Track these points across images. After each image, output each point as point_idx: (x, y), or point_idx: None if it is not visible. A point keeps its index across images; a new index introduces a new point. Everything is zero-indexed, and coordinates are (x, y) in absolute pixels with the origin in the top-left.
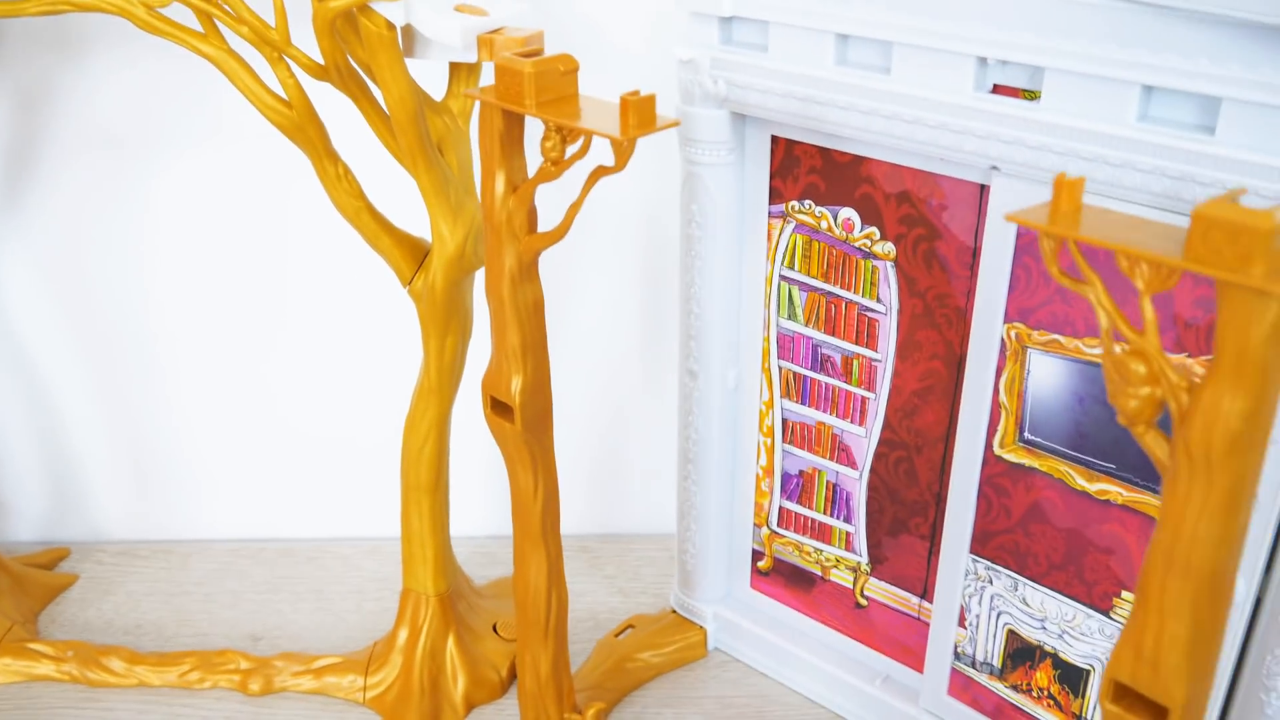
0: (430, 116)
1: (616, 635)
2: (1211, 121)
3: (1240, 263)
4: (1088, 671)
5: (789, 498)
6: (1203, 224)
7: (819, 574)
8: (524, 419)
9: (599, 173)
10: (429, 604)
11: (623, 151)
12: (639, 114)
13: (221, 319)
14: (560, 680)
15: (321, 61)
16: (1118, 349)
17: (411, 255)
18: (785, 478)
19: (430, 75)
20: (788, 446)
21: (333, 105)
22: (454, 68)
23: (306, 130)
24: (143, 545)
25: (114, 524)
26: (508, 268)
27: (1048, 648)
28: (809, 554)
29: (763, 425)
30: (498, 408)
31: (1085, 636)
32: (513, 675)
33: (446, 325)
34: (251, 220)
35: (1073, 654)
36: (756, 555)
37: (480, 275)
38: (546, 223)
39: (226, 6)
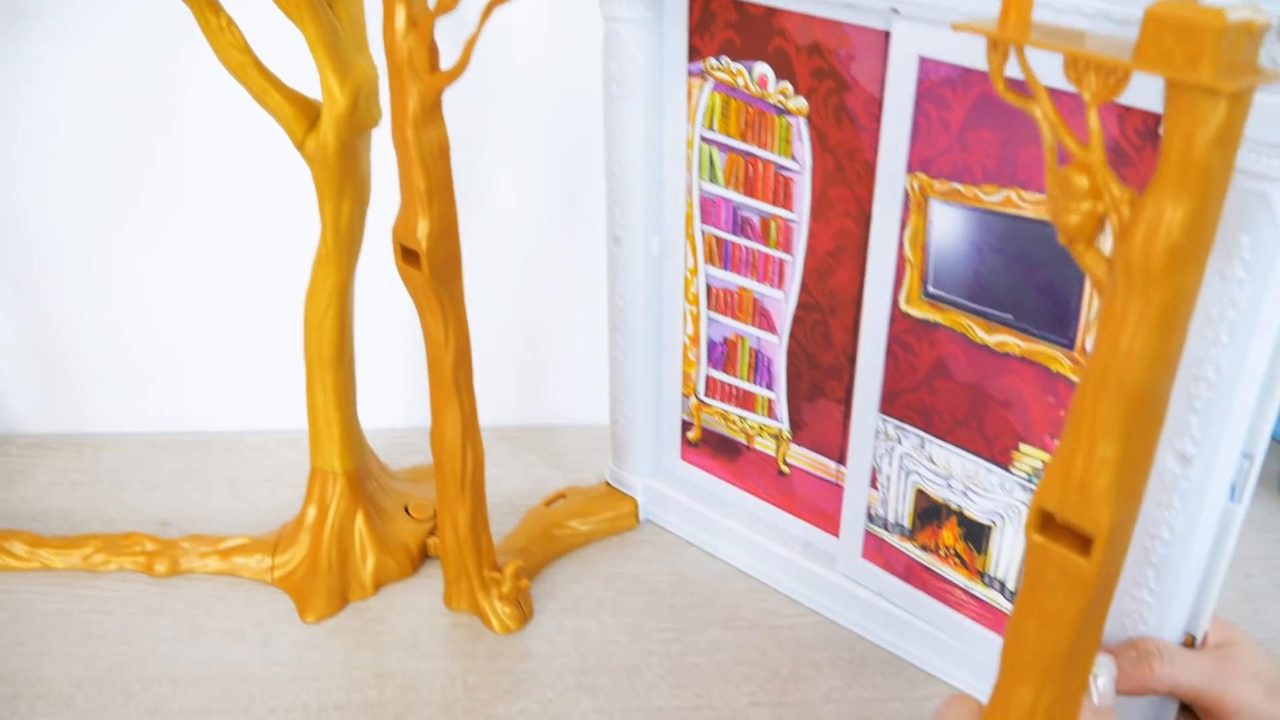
0: None
1: (548, 504)
2: None
3: (1190, 63)
4: (990, 528)
5: (714, 366)
6: (1153, 24)
7: (744, 443)
8: (431, 265)
9: (494, 3)
10: (336, 482)
11: None
12: None
13: (123, 201)
14: (479, 537)
15: None
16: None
17: (303, 114)
18: (710, 346)
19: None
20: (712, 314)
21: None
22: None
23: None
24: (54, 438)
25: (25, 417)
26: (411, 110)
27: (953, 505)
28: (734, 423)
29: (688, 293)
30: (408, 256)
31: (987, 492)
32: (424, 554)
33: (341, 188)
34: (141, 88)
35: (976, 511)
36: (686, 426)
37: (378, 136)
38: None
39: None
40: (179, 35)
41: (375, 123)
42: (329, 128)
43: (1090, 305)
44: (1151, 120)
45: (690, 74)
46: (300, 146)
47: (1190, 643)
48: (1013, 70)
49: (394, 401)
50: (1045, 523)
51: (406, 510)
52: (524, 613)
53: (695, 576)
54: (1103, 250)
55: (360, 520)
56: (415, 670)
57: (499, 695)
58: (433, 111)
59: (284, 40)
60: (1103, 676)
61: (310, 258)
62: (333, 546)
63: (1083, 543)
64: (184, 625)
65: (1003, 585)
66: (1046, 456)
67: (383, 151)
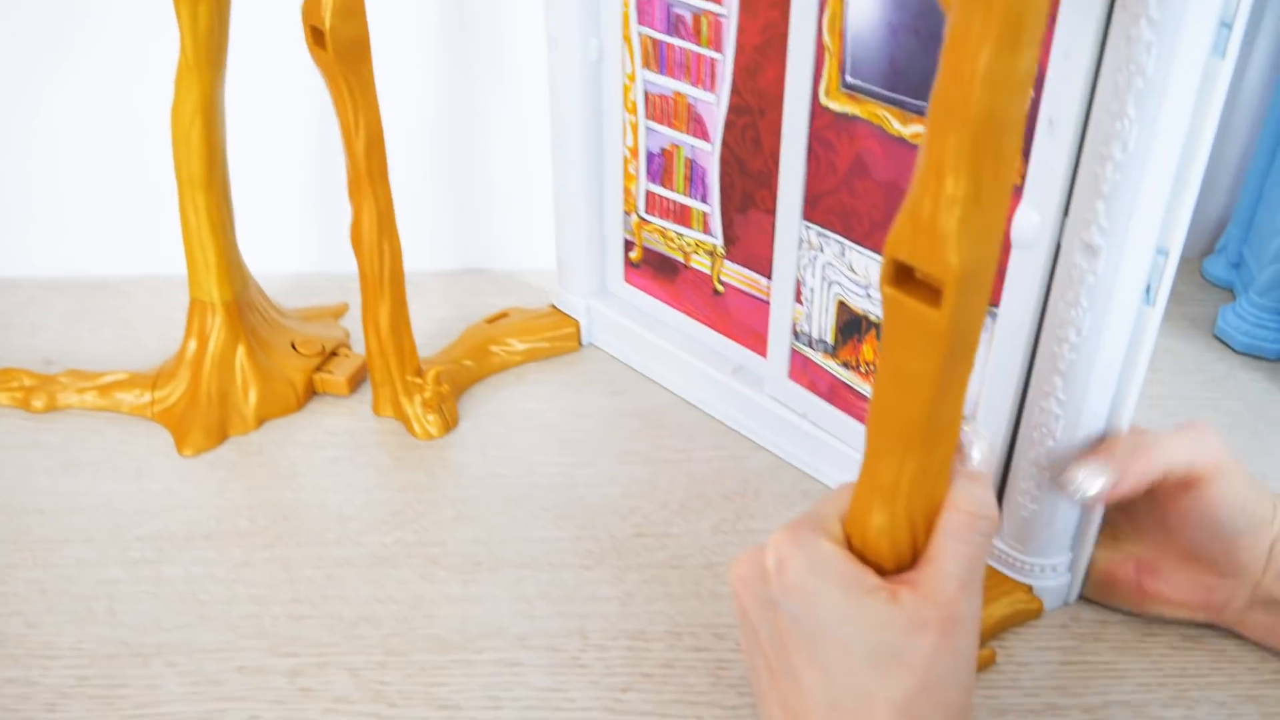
0: None
1: (490, 321)
2: None
3: None
4: None
5: (653, 179)
6: None
7: (682, 261)
8: (335, 45)
9: None
10: (216, 313)
11: None
12: None
13: None
14: (401, 339)
15: None
16: None
17: None
18: (649, 158)
19: None
20: (650, 123)
21: None
22: None
23: None
24: None
25: None
26: None
27: (872, 317)
28: (672, 240)
29: (627, 101)
30: (317, 37)
31: None
32: (310, 391)
33: None
34: None
35: None
36: (629, 246)
37: None
38: None
39: None
40: None
41: None
42: None
43: None
44: None
45: None
46: None
47: None
48: None
49: (300, 245)
50: (899, 276)
51: (294, 346)
52: (446, 420)
53: (631, 407)
54: None
55: (242, 353)
56: (290, 501)
57: (373, 526)
58: None
59: None
60: (977, 446)
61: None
62: (213, 380)
63: (934, 294)
64: (57, 458)
65: None
66: None
67: None
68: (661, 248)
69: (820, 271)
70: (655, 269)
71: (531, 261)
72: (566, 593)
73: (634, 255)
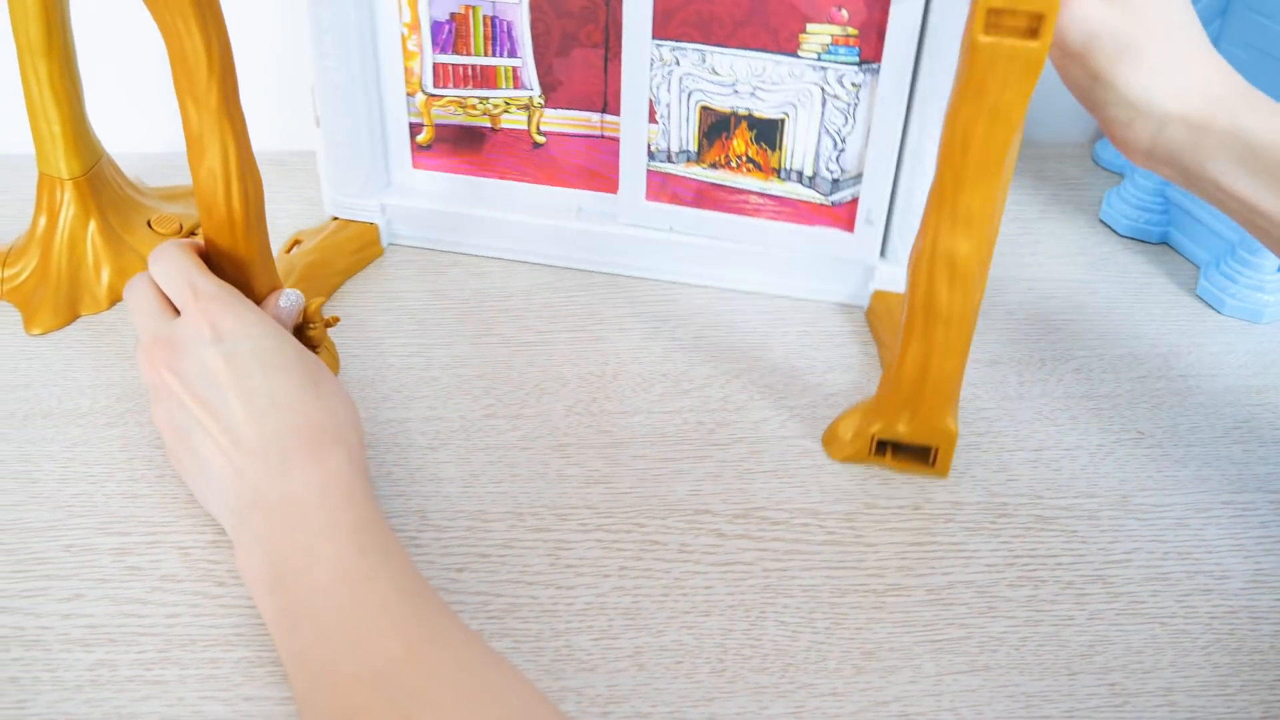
0: None
1: (287, 251)
2: None
3: None
4: (782, 120)
5: (442, 50)
6: None
7: (489, 126)
8: None
9: None
10: (64, 188)
11: None
12: None
13: None
14: (267, 277)
15: None
16: None
17: None
18: (435, 27)
19: None
20: None
21: None
22: None
23: None
24: None
25: None
26: None
27: (741, 111)
28: (473, 108)
29: None
30: None
31: (776, 85)
32: None
33: None
34: None
35: (766, 109)
36: (415, 130)
37: None
38: None
39: None
40: None
41: None
42: None
43: None
44: None
45: None
46: None
47: None
48: None
49: (164, 124)
50: (990, 25)
51: (150, 224)
52: (335, 357)
53: (453, 293)
54: None
55: (94, 230)
56: (134, 381)
57: None
58: None
59: None
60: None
61: None
62: (64, 257)
63: (1029, 30)
64: None
65: (799, 174)
66: (835, 29)
67: None
68: (460, 119)
69: (677, 84)
70: (454, 144)
71: (294, 143)
72: (409, 473)
73: (423, 138)
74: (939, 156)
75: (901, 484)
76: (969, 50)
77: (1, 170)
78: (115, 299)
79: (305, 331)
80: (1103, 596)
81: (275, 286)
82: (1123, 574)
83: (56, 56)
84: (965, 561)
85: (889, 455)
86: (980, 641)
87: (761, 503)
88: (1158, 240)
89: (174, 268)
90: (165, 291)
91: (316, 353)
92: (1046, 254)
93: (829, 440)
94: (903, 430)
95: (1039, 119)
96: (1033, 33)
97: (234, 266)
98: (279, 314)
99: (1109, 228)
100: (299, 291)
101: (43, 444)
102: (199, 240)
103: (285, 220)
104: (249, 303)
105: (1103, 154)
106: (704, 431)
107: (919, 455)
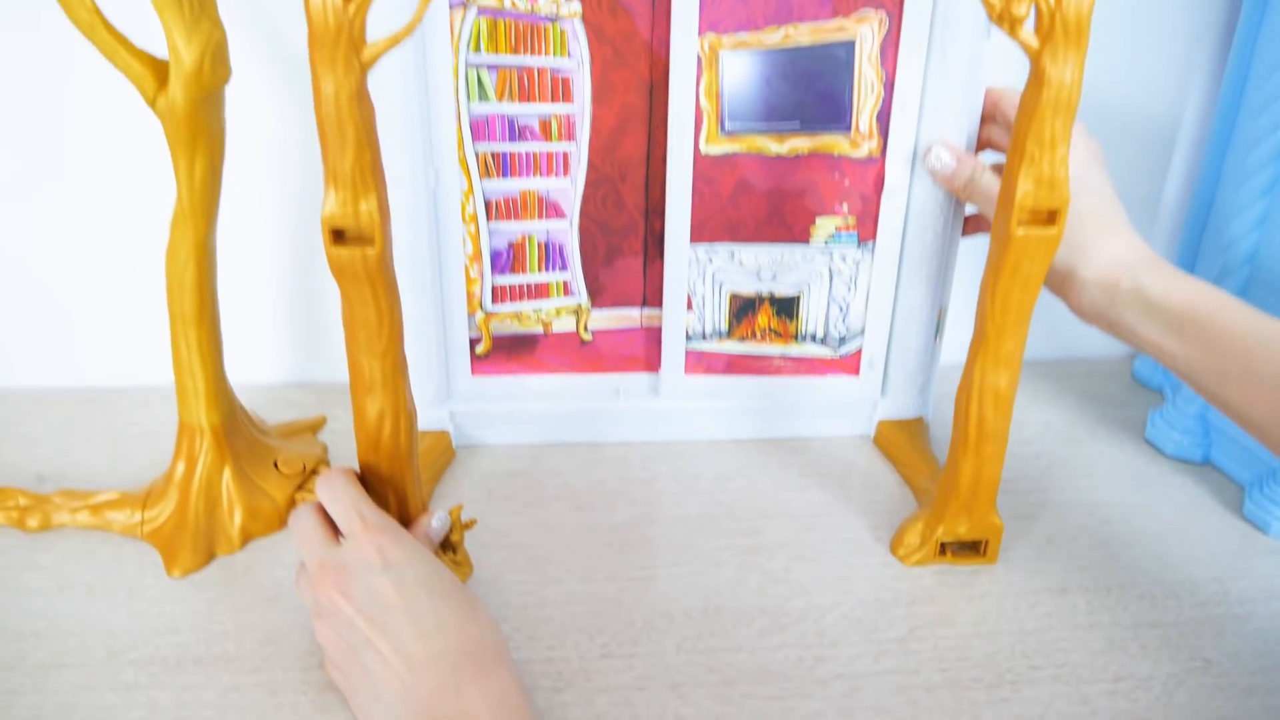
0: None
1: None
2: None
3: None
4: (798, 297)
5: (500, 273)
6: None
7: (541, 332)
8: (383, 239)
9: None
10: (203, 437)
11: None
12: None
13: None
14: (422, 503)
15: None
16: None
17: (152, 72)
18: (494, 255)
19: None
20: (493, 224)
21: None
22: None
23: None
24: None
25: None
26: (353, 84)
27: (764, 293)
28: (528, 318)
29: (464, 214)
30: (341, 240)
31: (792, 268)
32: (292, 509)
33: (194, 146)
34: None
35: (784, 288)
36: (474, 342)
37: (234, 97)
38: None
39: None
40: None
41: (224, 82)
42: (177, 86)
43: (858, 97)
44: None
45: (451, 6)
46: (152, 104)
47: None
48: None
49: (269, 357)
50: (1020, 221)
51: (276, 465)
52: (469, 559)
53: (537, 504)
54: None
55: (228, 475)
56: (275, 624)
57: None
58: (364, 82)
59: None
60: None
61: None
62: (200, 501)
63: (1049, 219)
64: (52, 580)
65: (813, 336)
66: (839, 220)
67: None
68: (515, 329)
69: (710, 278)
70: (508, 351)
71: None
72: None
73: (481, 349)
74: (979, 315)
75: None
76: (1005, 239)
77: (128, 405)
78: (247, 539)
79: (449, 537)
80: None
81: (425, 506)
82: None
83: (205, 323)
84: None
85: (949, 554)
86: None
87: None
88: (1201, 461)
89: (343, 495)
90: (333, 515)
91: (458, 554)
92: (1101, 476)
93: (897, 546)
94: (962, 530)
95: (1081, 338)
96: (1051, 221)
97: (393, 491)
98: (432, 533)
99: (1154, 447)
100: (445, 513)
101: (197, 690)
102: (355, 469)
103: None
104: (407, 533)
105: (1141, 371)
106: (804, 668)
107: (972, 549)
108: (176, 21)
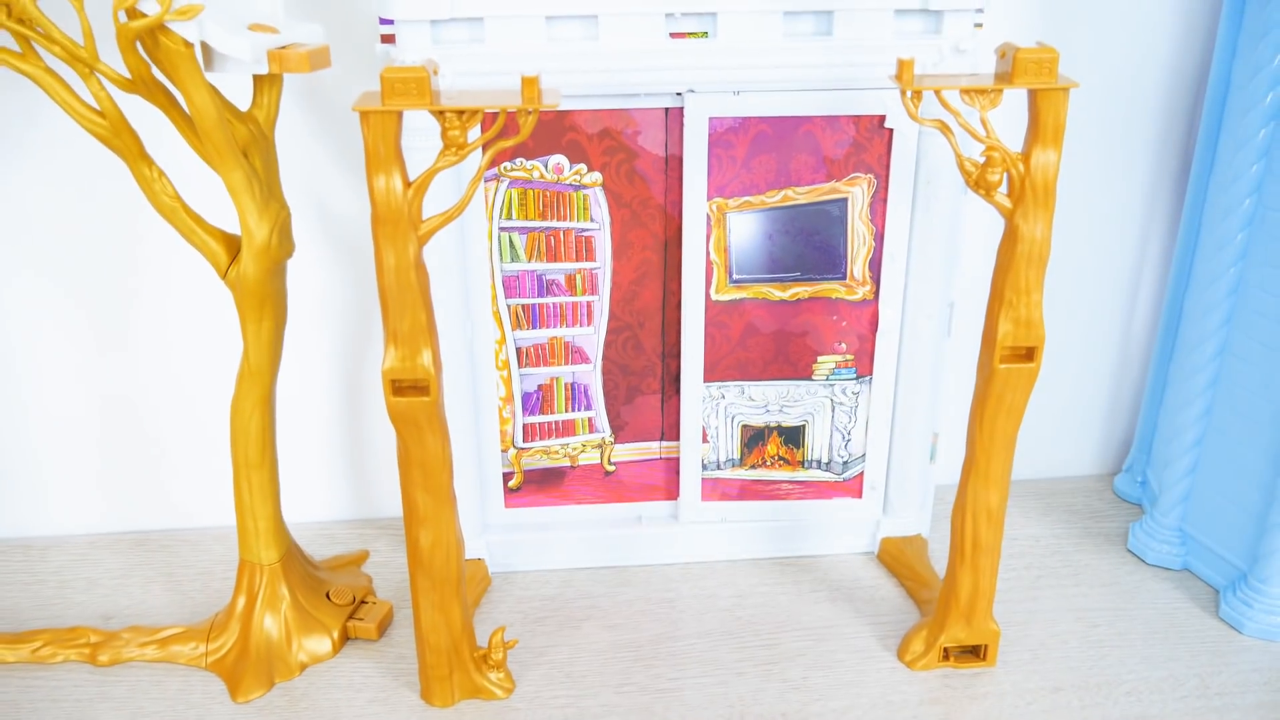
0: (235, 124)
1: None
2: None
3: (1049, 76)
4: (803, 426)
5: (530, 413)
6: (1024, 59)
7: (569, 465)
8: (437, 388)
9: (500, 144)
10: (263, 573)
11: (527, 121)
12: (531, 90)
13: (64, 319)
14: (469, 626)
15: (129, 75)
16: (968, 163)
17: (225, 248)
18: (525, 397)
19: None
20: (524, 370)
21: (146, 114)
22: (257, 80)
23: (121, 137)
24: (3, 542)
25: None
26: (411, 255)
27: (772, 424)
28: (556, 453)
29: (497, 361)
30: (400, 390)
31: (797, 401)
32: (345, 637)
33: (261, 311)
34: (84, 222)
35: (791, 419)
36: (506, 477)
37: (291, 266)
38: None
39: (39, 28)
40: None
41: (289, 255)
42: (249, 259)
43: (851, 248)
44: (877, 119)
45: (485, 180)
46: (223, 276)
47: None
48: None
49: (314, 496)
50: (1002, 357)
51: (328, 596)
52: (510, 674)
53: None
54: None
55: (286, 607)
56: None
57: None
58: (421, 252)
59: (206, 184)
60: None
61: (232, 371)
62: (261, 632)
63: (1027, 355)
64: (125, 711)
65: (818, 462)
66: (839, 357)
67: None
68: (544, 463)
69: (723, 412)
70: (539, 484)
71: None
72: None
73: (513, 483)
74: (969, 440)
75: None
76: (989, 374)
77: (180, 546)
78: (305, 666)
79: (490, 657)
80: None
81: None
82: None
83: (266, 469)
84: None
85: (951, 658)
86: None
87: None
88: (1180, 568)
89: None
90: None
91: (502, 672)
92: (1087, 584)
93: (904, 652)
94: (963, 636)
95: (1066, 456)
96: (1029, 357)
97: (443, 614)
98: None
99: (1136, 556)
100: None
101: None
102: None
103: (403, 575)
104: None
105: (1121, 486)
106: None
107: (973, 653)
108: (249, 204)
